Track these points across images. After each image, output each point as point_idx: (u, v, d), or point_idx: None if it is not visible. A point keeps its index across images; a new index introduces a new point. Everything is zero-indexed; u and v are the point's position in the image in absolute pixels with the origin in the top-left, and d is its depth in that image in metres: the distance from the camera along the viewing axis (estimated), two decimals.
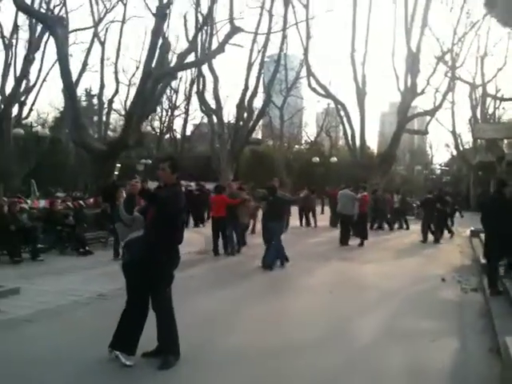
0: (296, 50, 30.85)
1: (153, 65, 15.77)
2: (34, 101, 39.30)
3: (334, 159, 34.30)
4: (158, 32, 15.15)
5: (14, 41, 29.83)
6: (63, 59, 15.01)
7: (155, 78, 15.83)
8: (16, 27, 29.49)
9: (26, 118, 34.18)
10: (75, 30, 29.52)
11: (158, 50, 16.16)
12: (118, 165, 17.15)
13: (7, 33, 29.93)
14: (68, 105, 15.92)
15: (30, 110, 34.05)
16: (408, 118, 25.90)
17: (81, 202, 14.16)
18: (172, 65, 18.67)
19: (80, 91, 49.04)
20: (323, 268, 10.11)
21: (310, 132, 54.51)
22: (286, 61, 38.59)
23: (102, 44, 33.85)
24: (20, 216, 11.54)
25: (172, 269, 5.04)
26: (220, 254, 12.50)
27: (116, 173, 16.91)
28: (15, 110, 30.83)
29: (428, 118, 31.08)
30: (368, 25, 26.95)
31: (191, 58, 20.05)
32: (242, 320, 6.81)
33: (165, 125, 47.83)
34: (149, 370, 4.81)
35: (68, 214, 12.81)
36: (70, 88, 15.32)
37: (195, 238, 15.88)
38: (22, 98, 30.87)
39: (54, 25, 14.10)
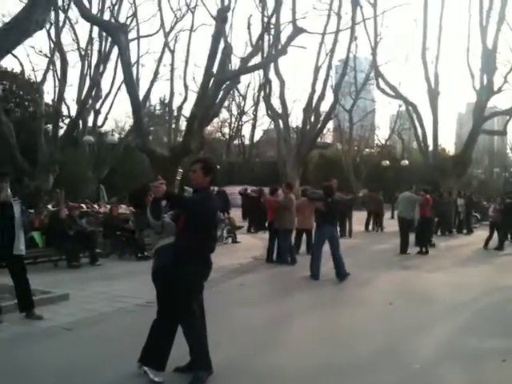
0: (366, 53, 30.07)
1: (214, 69, 15.69)
2: (109, 109, 41.09)
3: (405, 162, 32.93)
4: (218, 36, 15.02)
5: (89, 52, 31.06)
6: (126, 66, 15.25)
7: (217, 83, 15.73)
8: (91, 38, 30.64)
9: (102, 126, 35.51)
10: (144, 37, 30.27)
11: (220, 55, 16.06)
12: (181, 170, 17.21)
13: (84, 44, 31.15)
14: (133, 112, 16.13)
15: (105, 118, 35.38)
16: (484, 118, 24.42)
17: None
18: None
19: (155, 100, 50.78)
20: (385, 277, 9.45)
21: (383, 135, 53.05)
22: (355, 63, 37.82)
23: (172, 52, 34.52)
24: (79, 221, 11.69)
25: (201, 279, 4.68)
26: (274, 262, 11.87)
27: (178, 178, 16.98)
28: (91, 118, 32.26)
29: (508, 117, 29.26)
30: (441, 22, 25.82)
31: (256, 62, 19.90)
32: (288, 335, 6.32)
33: (234, 131, 48.17)
34: None
35: (128, 219, 12.91)
36: (133, 95, 15.51)
37: (254, 244, 15.63)
38: (97, 107, 32.01)
39: (116, 32, 14.31)
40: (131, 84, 15.52)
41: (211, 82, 15.53)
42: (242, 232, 17.60)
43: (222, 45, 16.25)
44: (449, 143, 63.65)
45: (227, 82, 16.98)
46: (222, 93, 16.99)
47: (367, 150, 49.45)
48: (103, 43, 26.91)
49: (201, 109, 15.34)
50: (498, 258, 13.92)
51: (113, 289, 8.54)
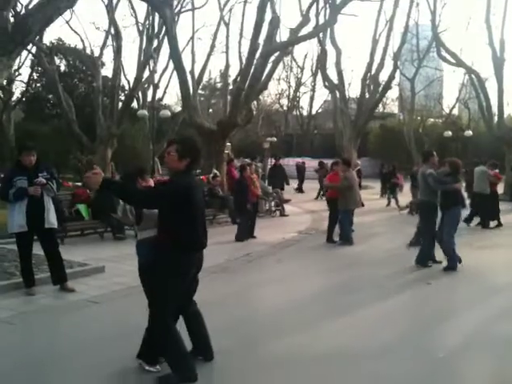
0: (429, 19, 28.47)
1: (260, 41, 15.42)
2: (168, 83, 41.76)
3: (468, 133, 31.40)
4: (263, 7, 14.71)
5: (147, 27, 31.25)
6: (172, 40, 15.23)
7: (264, 54, 15.44)
8: (148, 13, 30.80)
9: (161, 100, 36.04)
10: (196, 8, 30.00)
11: (267, 26, 15.76)
12: (228, 144, 17.17)
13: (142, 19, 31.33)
14: (180, 85, 16.17)
15: (164, 92, 35.92)
16: None
17: None
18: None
19: (215, 73, 50.97)
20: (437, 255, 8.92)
21: (450, 104, 50.62)
22: (417, 30, 36.17)
23: (227, 26, 34.26)
24: None
25: (181, 278, 4.11)
26: (335, 242, 11.14)
27: (227, 151, 16.95)
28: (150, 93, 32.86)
29: None
30: None
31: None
32: (311, 316, 6.09)
33: (292, 102, 47.62)
34: None
35: None
36: (179, 68, 15.53)
37: (302, 218, 15.44)
38: (155, 81, 32.44)
39: (161, 6, 14.30)
40: (177, 57, 15.50)
41: (257, 54, 15.25)
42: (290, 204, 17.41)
43: (269, 16, 15.91)
44: None
45: (275, 54, 16.65)
46: (270, 65, 16.67)
47: (431, 120, 47.51)
48: (156, 18, 26.93)
49: (247, 81, 15.14)
50: None
51: None
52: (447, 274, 8.33)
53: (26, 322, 5.61)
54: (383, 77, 30.74)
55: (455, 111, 48.56)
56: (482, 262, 9.23)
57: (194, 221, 4.08)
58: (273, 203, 15.78)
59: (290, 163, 26.76)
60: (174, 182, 4.09)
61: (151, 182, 4.47)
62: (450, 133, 32.71)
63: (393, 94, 48.74)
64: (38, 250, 6.99)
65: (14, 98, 33.80)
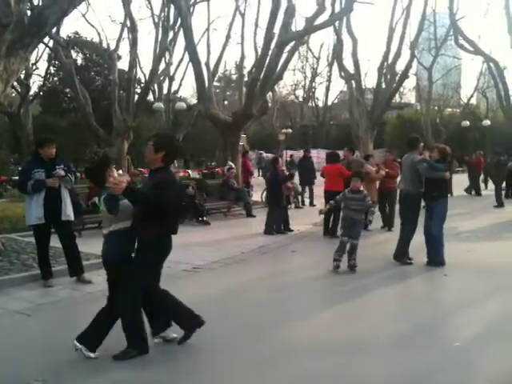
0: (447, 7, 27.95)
1: (275, 31, 15.33)
2: (183, 75, 41.92)
3: (486, 122, 30.95)
4: None
5: (162, 19, 31.27)
6: (187, 31, 15.23)
7: (279, 44, 15.36)
8: (163, 5, 30.81)
9: (176, 92, 36.19)
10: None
11: (283, 16, 15.63)
12: (244, 135, 17.12)
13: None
14: (195, 77, 16.17)
15: (180, 84, 36.05)
16: None
17: (205, 171, 14.44)
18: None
19: (230, 65, 50.91)
20: (453, 244, 8.74)
21: (468, 94, 50.05)
22: (434, 18, 35.71)
23: (243, 16, 34.11)
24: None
25: (159, 261, 4.55)
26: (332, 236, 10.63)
27: (242, 143, 16.93)
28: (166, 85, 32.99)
29: None
30: None
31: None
32: (319, 307, 6.14)
33: (307, 93, 47.38)
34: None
35: (188, 185, 13.09)
36: (194, 60, 15.55)
37: (317, 210, 15.30)
38: (171, 73, 32.51)
39: None
40: (192, 49, 15.51)
41: (273, 44, 15.16)
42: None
43: (284, 5, 15.81)
44: None
45: (291, 44, 16.54)
46: (285, 55, 16.59)
47: (449, 109, 46.98)
48: (171, 9, 26.91)
49: (261, 72, 15.08)
50: None
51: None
52: (465, 266, 8.19)
53: (44, 314, 5.68)
54: (400, 66, 30.37)
55: (473, 100, 48.00)
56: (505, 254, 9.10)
57: (177, 211, 4.67)
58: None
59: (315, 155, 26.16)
60: (169, 182, 4.37)
61: (115, 173, 4.43)
62: (467, 123, 32.32)
63: (410, 83, 48.42)
64: (55, 242, 7.07)
65: (32, 92, 34.05)
